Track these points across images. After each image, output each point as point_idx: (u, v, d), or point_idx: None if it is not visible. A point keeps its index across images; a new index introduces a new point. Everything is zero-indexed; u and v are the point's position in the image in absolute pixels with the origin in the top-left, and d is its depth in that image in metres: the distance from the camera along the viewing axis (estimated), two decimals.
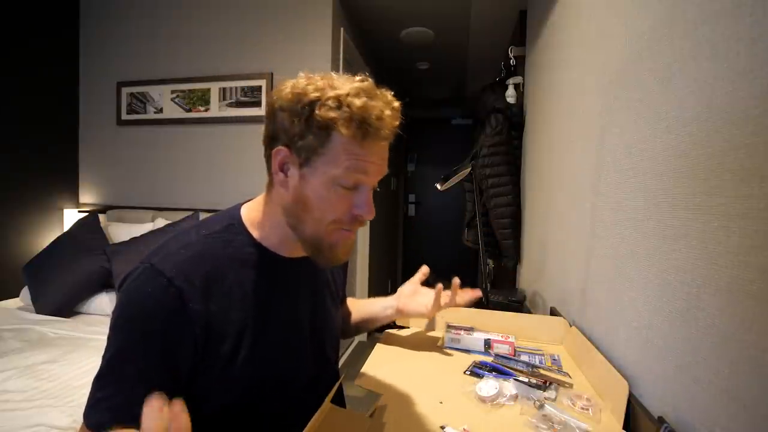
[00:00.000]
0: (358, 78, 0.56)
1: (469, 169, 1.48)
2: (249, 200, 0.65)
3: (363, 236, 2.89)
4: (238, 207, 0.64)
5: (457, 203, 4.06)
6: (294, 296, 0.64)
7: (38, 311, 1.67)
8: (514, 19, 2.10)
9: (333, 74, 0.56)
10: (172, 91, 2.18)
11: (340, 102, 0.52)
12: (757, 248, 0.40)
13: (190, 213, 2.03)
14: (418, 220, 4.78)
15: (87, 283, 1.73)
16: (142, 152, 2.26)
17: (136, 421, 0.44)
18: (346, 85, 0.53)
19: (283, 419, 0.62)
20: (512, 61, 1.93)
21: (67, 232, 1.96)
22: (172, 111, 2.19)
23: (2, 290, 1.92)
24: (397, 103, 0.57)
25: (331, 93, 0.52)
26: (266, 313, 0.59)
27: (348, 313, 0.88)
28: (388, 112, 0.54)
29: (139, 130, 2.27)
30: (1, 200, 1.96)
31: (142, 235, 1.89)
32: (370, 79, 0.56)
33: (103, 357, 0.51)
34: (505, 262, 1.88)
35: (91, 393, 0.50)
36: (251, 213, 0.62)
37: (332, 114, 0.51)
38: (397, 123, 0.56)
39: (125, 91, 2.26)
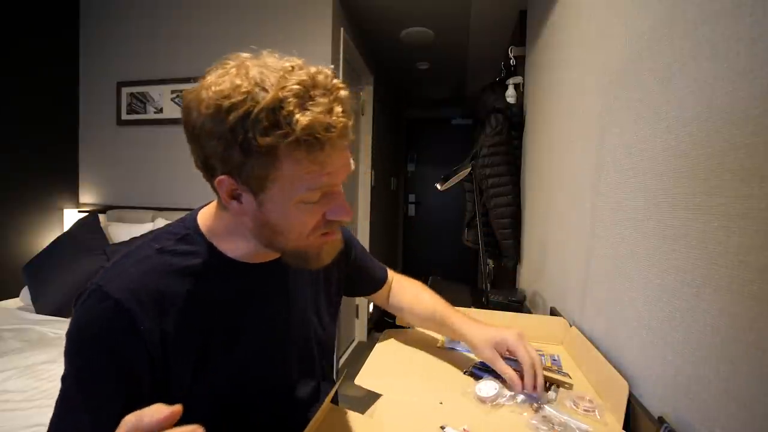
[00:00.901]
0: (288, 63, 0.45)
1: (469, 169, 1.48)
2: (205, 205, 0.59)
3: (363, 236, 2.90)
4: (194, 215, 0.59)
5: (457, 203, 4.06)
6: (268, 301, 0.60)
7: (38, 311, 1.67)
8: (514, 19, 2.10)
9: (249, 60, 0.46)
10: (172, 91, 2.18)
11: (277, 118, 0.42)
12: (757, 248, 0.40)
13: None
14: (418, 220, 4.78)
15: (87, 283, 1.73)
16: (142, 152, 2.26)
17: None
18: (277, 80, 0.43)
19: (276, 423, 0.61)
20: (512, 61, 1.93)
21: (67, 232, 1.96)
22: (172, 111, 2.19)
23: (2, 290, 1.92)
24: (343, 92, 0.47)
25: (261, 101, 0.42)
26: (236, 322, 0.56)
27: (405, 301, 0.85)
28: (339, 110, 0.45)
29: (139, 130, 2.27)
30: (1, 200, 1.96)
31: (141, 235, 1.89)
32: (300, 62, 0.46)
33: (62, 383, 0.48)
34: (505, 262, 1.88)
35: (52, 421, 0.47)
36: (208, 221, 0.57)
37: (271, 139, 0.42)
38: (351, 119, 0.47)
39: (125, 91, 2.26)
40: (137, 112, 2.25)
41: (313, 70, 0.45)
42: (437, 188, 1.49)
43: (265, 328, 0.59)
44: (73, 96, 2.32)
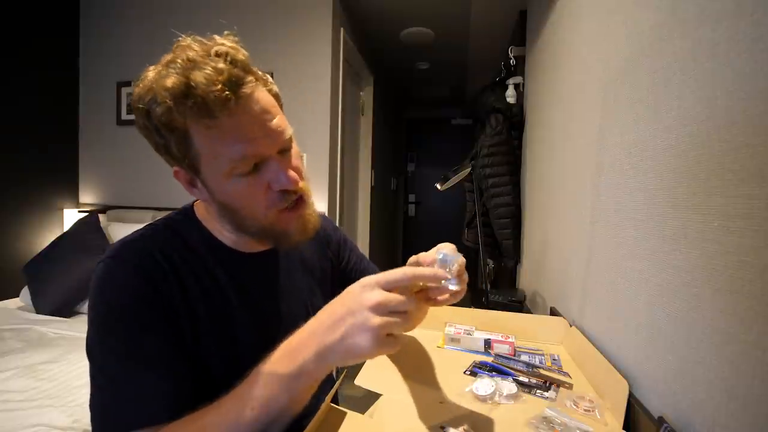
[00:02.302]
0: (193, 40, 0.47)
1: (469, 169, 1.48)
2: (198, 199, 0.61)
3: (363, 236, 2.90)
4: (191, 203, 0.61)
5: (457, 203, 4.07)
6: (259, 292, 0.60)
7: (38, 311, 1.67)
8: (514, 19, 2.10)
9: (168, 54, 0.47)
10: None
11: (155, 94, 0.44)
12: (757, 248, 0.40)
13: None
14: (418, 220, 4.78)
15: (87, 282, 1.73)
16: (142, 152, 2.26)
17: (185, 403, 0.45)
18: (183, 61, 0.45)
19: None
20: (512, 61, 1.93)
21: (67, 232, 1.96)
22: None
23: (2, 290, 1.92)
24: (220, 47, 0.46)
25: (161, 82, 0.44)
26: (227, 309, 0.56)
27: None
28: (209, 70, 0.44)
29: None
30: (1, 200, 1.96)
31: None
32: (189, 39, 0.48)
33: (101, 359, 0.47)
34: (505, 262, 1.88)
35: (97, 401, 0.46)
36: (202, 210, 0.59)
37: (159, 111, 0.44)
38: (234, 74, 0.45)
39: (125, 91, 2.26)
40: None
41: (209, 42, 0.48)
42: (437, 188, 1.50)
43: (256, 318, 0.59)
44: (73, 96, 2.32)
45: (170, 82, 0.43)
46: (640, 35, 0.68)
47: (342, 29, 2.14)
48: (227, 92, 0.44)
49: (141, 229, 0.56)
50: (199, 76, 0.43)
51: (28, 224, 2.10)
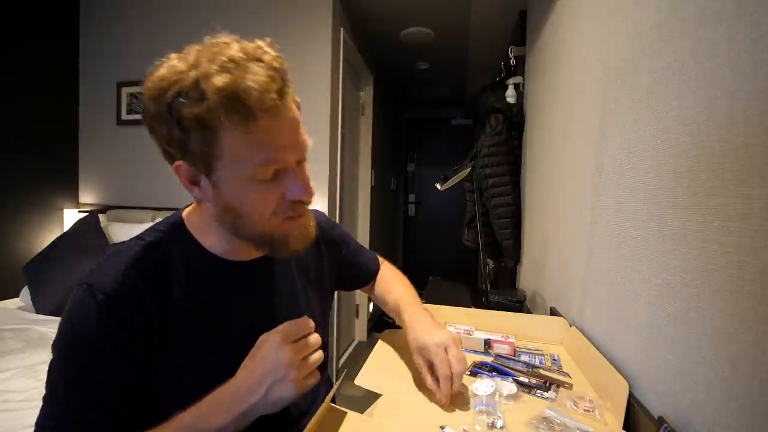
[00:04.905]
0: (233, 42, 0.46)
1: (469, 169, 1.48)
2: (189, 205, 0.60)
3: (363, 236, 2.90)
4: (180, 211, 0.59)
5: (457, 203, 4.07)
6: (252, 300, 0.59)
7: (38, 311, 1.67)
8: (514, 19, 2.10)
9: (195, 46, 0.47)
10: None
11: (200, 89, 0.42)
12: (757, 248, 0.40)
13: None
14: (418, 220, 4.78)
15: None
16: (142, 152, 2.26)
17: None
18: (211, 55, 0.44)
19: (272, 425, 0.59)
20: (512, 61, 1.93)
21: (67, 232, 1.96)
22: None
23: (2, 290, 1.92)
24: (268, 56, 0.46)
25: (190, 78, 0.43)
26: (217, 321, 0.55)
27: (380, 291, 0.87)
28: (261, 73, 0.44)
29: (139, 130, 2.26)
30: (1, 200, 1.96)
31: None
32: (240, 41, 0.47)
33: (49, 375, 0.47)
34: (505, 262, 1.88)
35: (41, 416, 0.46)
36: (193, 218, 0.58)
37: (197, 109, 0.43)
38: (282, 83, 0.46)
39: (125, 91, 2.26)
40: (137, 112, 2.25)
41: (250, 45, 0.46)
42: (437, 188, 1.49)
43: (250, 327, 0.57)
44: (73, 96, 2.32)
45: (221, 81, 0.42)
46: (640, 35, 0.68)
47: (342, 29, 2.14)
48: (277, 101, 0.45)
49: (128, 242, 0.55)
50: (253, 80, 0.43)
51: (28, 224, 2.10)
